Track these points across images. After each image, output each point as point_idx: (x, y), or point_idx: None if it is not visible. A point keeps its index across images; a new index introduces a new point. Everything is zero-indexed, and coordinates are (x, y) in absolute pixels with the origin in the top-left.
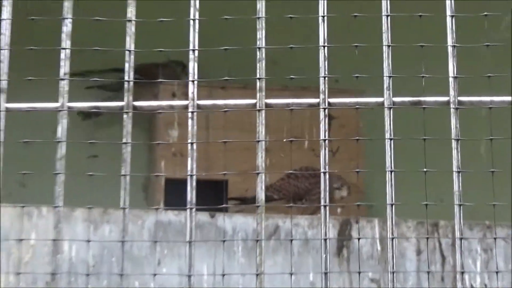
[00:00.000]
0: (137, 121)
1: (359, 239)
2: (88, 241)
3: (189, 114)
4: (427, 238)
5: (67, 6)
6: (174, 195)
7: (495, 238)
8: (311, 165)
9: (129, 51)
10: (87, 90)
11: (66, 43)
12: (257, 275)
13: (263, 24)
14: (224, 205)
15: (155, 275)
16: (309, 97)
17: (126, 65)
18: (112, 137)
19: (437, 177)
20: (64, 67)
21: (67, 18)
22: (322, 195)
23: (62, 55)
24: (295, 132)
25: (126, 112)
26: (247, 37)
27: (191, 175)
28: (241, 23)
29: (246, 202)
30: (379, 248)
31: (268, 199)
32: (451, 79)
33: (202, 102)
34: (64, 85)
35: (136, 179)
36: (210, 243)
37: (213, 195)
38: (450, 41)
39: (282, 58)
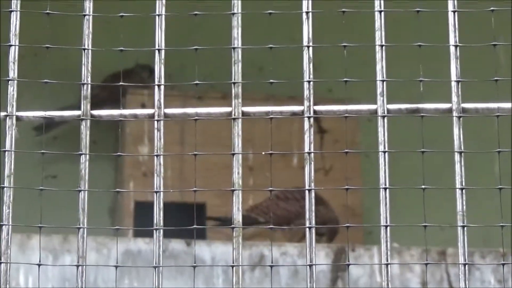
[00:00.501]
0: (102, 137)
1: (348, 265)
2: (39, 264)
3: (155, 123)
4: (426, 265)
5: (15, 2)
6: (145, 220)
7: (503, 264)
8: (303, 185)
9: (85, 49)
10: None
11: (14, 41)
12: None
13: (239, 21)
14: (194, 226)
15: None
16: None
17: (83, 67)
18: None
19: (445, 199)
20: (13, 70)
21: (14, 11)
22: (307, 216)
23: (10, 56)
24: (283, 148)
25: (83, 119)
26: (226, 44)
27: (157, 192)
28: (219, 29)
29: (227, 222)
30: (378, 279)
31: (252, 221)
32: (453, 83)
33: (170, 111)
34: (12, 91)
35: (102, 203)
36: (187, 274)
37: (190, 220)
38: (452, 40)
39: (269, 64)
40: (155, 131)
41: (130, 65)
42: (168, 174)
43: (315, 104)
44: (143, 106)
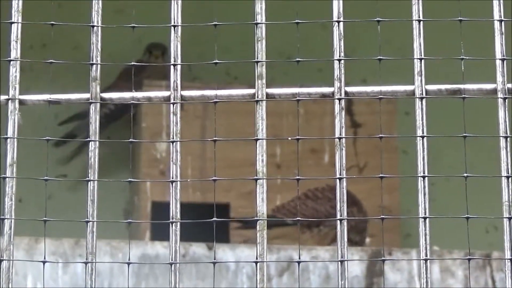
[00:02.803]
0: (117, 133)
1: (383, 260)
2: (43, 262)
3: (171, 107)
4: (469, 260)
5: None
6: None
7: None
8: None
9: (93, 26)
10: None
11: (17, 18)
12: None
13: None
14: (214, 219)
15: None
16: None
17: (92, 46)
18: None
19: (490, 202)
20: (16, 50)
21: None
22: (338, 207)
23: (13, 35)
24: (313, 145)
25: (93, 103)
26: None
27: (173, 181)
28: (241, 16)
29: (250, 223)
30: (417, 285)
31: (279, 223)
32: (498, 62)
33: (188, 93)
34: (14, 72)
35: (116, 204)
36: (208, 279)
37: (212, 222)
38: (496, 14)
39: (298, 53)
40: (171, 115)
41: (144, 55)
42: (188, 173)
43: (346, 96)
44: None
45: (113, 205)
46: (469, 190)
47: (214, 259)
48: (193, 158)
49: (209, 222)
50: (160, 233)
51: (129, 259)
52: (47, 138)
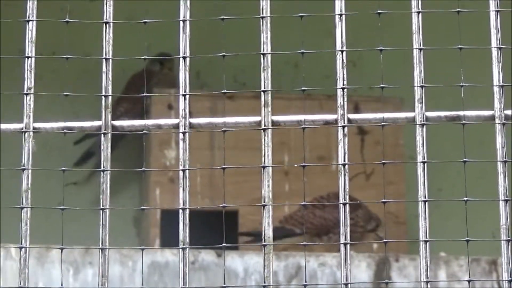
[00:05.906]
0: (125, 140)
1: (386, 283)
2: None
3: (180, 135)
4: (469, 282)
5: (31, 7)
6: (173, 229)
7: None
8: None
9: (106, 59)
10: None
11: (30, 50)
12: None
13: (268, 25)
14: (223, 245)
15: None
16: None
17: (103, 76)
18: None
19: (495, 208)
20: (30, 79)
21: (31, 21)
22: (342, 231)
23: (27, 65)
24: (321, 152)
25: (104, 133)
26: (255, 38)
27: (184, 209)
28: (248, 22)
29: (260, 237)
30: None
31: (287, 233)
32: (496, 89)
33: (196, 121)
34: (29, 101)
35: (126, 212)
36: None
37: (221, 229)
38: (494, 42)
39: (304, 61)
40: (180, 142)
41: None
42: (197, 181)
43: (355, 103)
44: (170, 107)
45: (123, 213)
46: (477, 190)
47: (224, 283)
48: (202, 165)
49: (218, 230)
50: (169, 241)
51: (142, 285)
52: (63, 168)
